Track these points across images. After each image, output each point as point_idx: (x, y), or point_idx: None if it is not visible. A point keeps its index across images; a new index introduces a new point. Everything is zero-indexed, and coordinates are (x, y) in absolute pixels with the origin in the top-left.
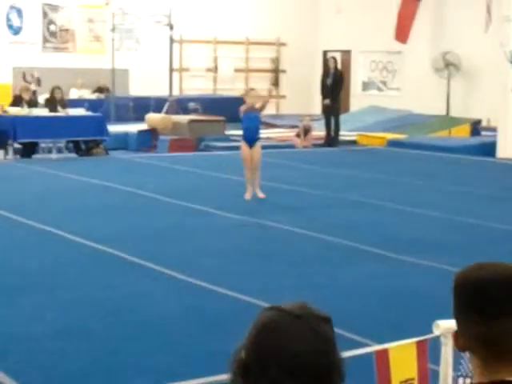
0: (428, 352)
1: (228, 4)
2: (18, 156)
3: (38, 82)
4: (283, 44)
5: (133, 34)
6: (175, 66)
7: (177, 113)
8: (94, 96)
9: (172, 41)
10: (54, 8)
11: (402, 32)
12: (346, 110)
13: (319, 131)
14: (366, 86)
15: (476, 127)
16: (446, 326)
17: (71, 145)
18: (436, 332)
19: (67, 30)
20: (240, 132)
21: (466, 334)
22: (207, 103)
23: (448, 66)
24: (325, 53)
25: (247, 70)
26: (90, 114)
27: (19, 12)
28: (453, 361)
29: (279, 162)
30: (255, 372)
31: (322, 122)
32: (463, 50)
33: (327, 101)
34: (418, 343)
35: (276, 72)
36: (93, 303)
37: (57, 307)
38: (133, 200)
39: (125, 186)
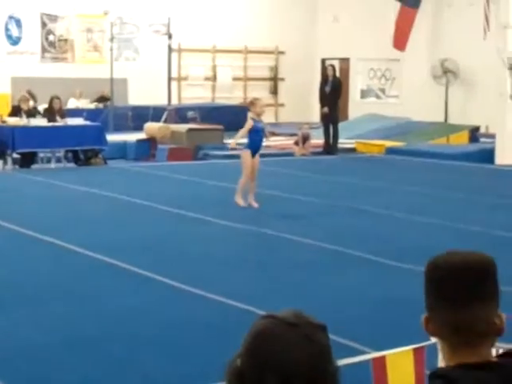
0: (425, 359)
1: (226, 13)
2: (17, 166)
3: (34, 98)
4: (282, 52)
5: (131, 44)
6: (174, 74)
7: (175, 122)
8: (92, 105)
9: (170, 50)
10: (53, 18)
11: (401, 40)
12: (345, 117)
13: (318, 139)
14: (364, 93)
15: (474, 134)
16: None
17: (70, 154)
18: (433, 339)
19: (66, 39)
20: (238, 140)
21: (435, 320)
22: (206, 112)
23: (446, 73)
24: (323, 61)
25: (246, 79)
26: (88, 123)
27: (18, 22)
28: None
29: (278, 170)
30: (250, 380)
31: (321, 130)
32: (461, 57)
33: (326, 109)
34: (415, 350)
35: (274, 80)
36: (92, 313)
37: (56, 317)
38: (131, 209)
39: (123, 196)
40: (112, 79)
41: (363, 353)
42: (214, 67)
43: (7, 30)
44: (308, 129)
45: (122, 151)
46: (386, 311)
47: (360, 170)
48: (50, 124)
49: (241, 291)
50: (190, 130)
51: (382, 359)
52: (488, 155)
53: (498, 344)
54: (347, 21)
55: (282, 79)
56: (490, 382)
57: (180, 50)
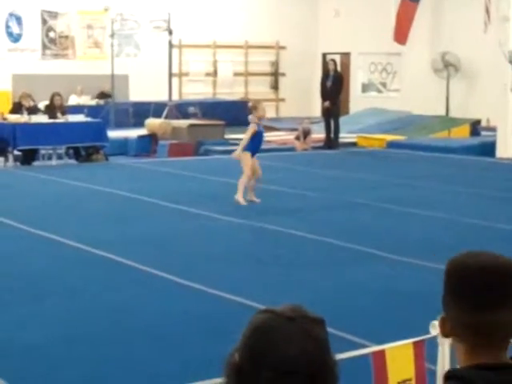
0: (425, 352)
1: (227, 8)
2: (18, 163)
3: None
4: (282, 47)
5: (132, 40)
6: (174, 70)
7: (176, 117)
8: (93, 102)
9: (171, 46)
10: (54, 15)
11: (401, 33)
12: (346, 112)
13: (319, 134)
14: (365, 87)
15: (475, 127)
16: None
17: (71, 151)
18: (433, 332)
19: (66, 36)
20: (239, 135)
21: (454, 321)
22: (207, 107)
23: (447, 66)
24: (324, 55)
25: (247, 74)
26: (89, 120)
27: (18, 19)
28: (450, 360)
29: (279, 165)
30: (248, 374)
31: (322, 125)
32: (462, 51)
33: (327, 103)
34: (415, 344)
35: (275, 75)
36: (91, 308)
37: (55, 313)
38: (132, 205)
39: (124, 192)
40: (113, 75)
41: (363, 346)
42: (215, 63)
43: (8, 27)
44: (309, 123)
45: (123, 147)
46: (385, 305)
47: (361, 165)
48: (51, 121)
49: (240, 286)
50: (191, 125)
51: (382, 353)
52: (489, 148)
53: None
54: (348, 15)
55: (283, 74)
56: None
57: (181, 46)
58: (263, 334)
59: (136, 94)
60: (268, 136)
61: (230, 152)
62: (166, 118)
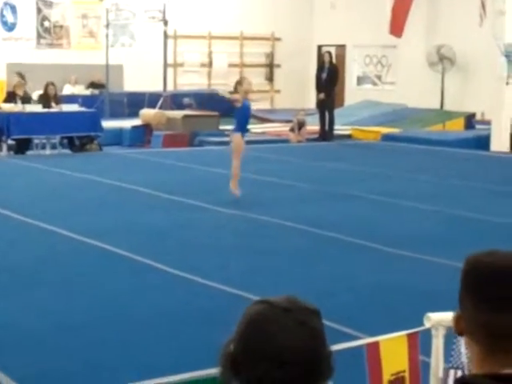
0: (419, 344)
1: None
2: (12, 152)
3: (24, 78)
4: (278, 39)
5: (127, 30)
6: (169, 61)
7: (171, 108)
8: (88, 92)
9: (166, 36)
10: (48, 4)
11: (397, 26)
12: (341, 104)
13: (313, 125)
14: (360, 80)
15: (470, 121)
16: (437, 319)
17: (65, 141)
18: (427, 324)
19: (61, 26)
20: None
21: (470, 320)
22: (201, 98)
23: (442, 59)
24: (319, 47)
25: (242, 65)
26: (83, 109)
27: (13, 8)
28: (444, 353)
29: (273, 157)
30: (244, 365)
31: (317, 117)
32: (458, 44)
33: (322, 95)
34: (409, 336)
35: (270, 67)
36: (88, 298)
37: (52, 302)
38: (127, 195)
39: (119, 182)
40: (108, 65)
41: (357, 338)
42: (210, 53)
43: (2, 16)
44: (304, 115)
45: (117, 137)
46: (380, 297)
47: (356, 157)
48: (46, 110)
49: (234, 277)
50: (186, 116)
51: (376, 344)
52: (484, 142)
53: None
54: (344, 7)
55: (278, 66)
56: None
57: (176, 37)
58: (259, 324)
59: (131, 84)
60: (262, 127)
61: (224, 143)
62: (161, 108)
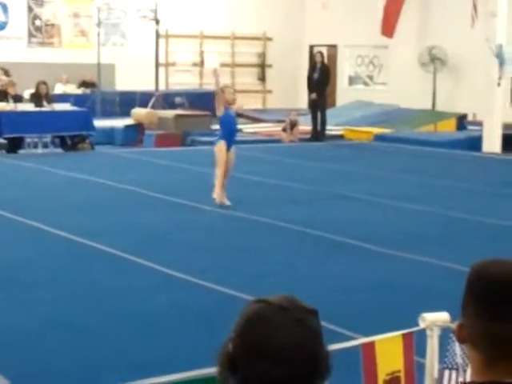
0: (414, 344)
1: None
2: (4, 151)
3: (7, 73)
4: (269, 39)
5: (119, 29)
6: (161, 60)
7: (163, 107)
8: (79, 91)
9: (158, 35)
10: (40, 3)
11: (388, 26)
12: (333, 104)
13: (306, 126)
14: (352, 80)
15: (462, 121)
16: (432, 319)
17: (57, 140)
18: (422, 325)
19: (53, 24)
20: None
21: (473, 328)
22: (193, 98)
23: (434, 60)
24: (311, 47)
25: (233, 65)
26: (75, 108)
27: (4, 7)
28: (438, 353)
29: (265, 157)
30: (242, 364)
31: (309, 117)
32: (449, 45)
33: (314, 95)
34: (404, 336)
35: (262, 67)
36: (80, 298)
37: (43, 302)
38: (119, 195)
39: (111, 181)
40: (99, 64)
41: (352, 338)
42: (202, 53)
43: None
44: (296, 115)
45: (109, 137)
46: (374, 297)
47: (348, 157)
48: (37, 109)
49: (229, 277)
50: (178, 115)
51: (372, 344)
52: (475, 143)
53: None
54: (335, 7)
55: (270, 66)
56: None
57: (167, 36)
58: (257, 323)
59: (122, 83)
60: (254, 127)
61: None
62: (153, 107)
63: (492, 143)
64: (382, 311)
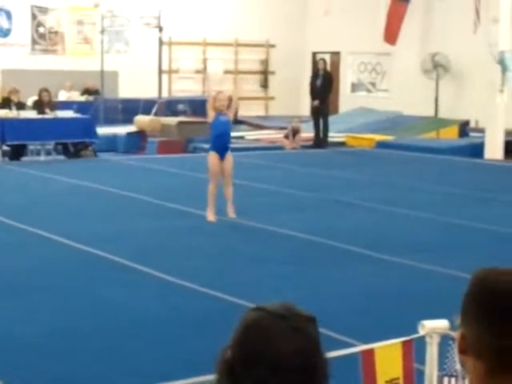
0: (413, 352)
1: (217, 6)
2: (7, 158)
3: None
4: (272, 45)
5: (122, 36)
6: (164, 67)
7: (166, 115)
8: (82, 98)
9: (161, 43)
10: (43, 10)
11: (391, 33)
12: (335, 111)
13: (308, 132)
14: (354, 87)
15: (464, 128)
16: (432, 326)
17: (60, 147)
18: (421, 332)
19: (56, 32)
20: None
21: (474, 339)
22: (196, 105)
23: (436, 67)
24: (314, 54)
25: (236, 72)
26: (78, 116)
27: (8, 14)
28: (438, 360)
29: (267, 164)
30: (240, 372)
31: (311, 124)
32: (452, 52)
33: (316, 102)
34: (404, 343)
35: (265, 73)
36: (80, 305)
37: (44, 309)
38: (121, 202)
39: (113, 188)
40: (102, 72)
41: (352, 345)
42: (205, 60)
43: None
44: (298, 122)
45: (112, 144)
46: (374, 304)
47: (350, 164)
48: (40, 116)
49: (228, 284)
50: (181, 122)
51: (371, 352)
52: (477, 150)
53: None
54: (338, 14)
55: (273, 72)
56: None
57: (170, 43)
58: (255, 331)
59: (125, 90)
60: (257, 134)
61: None
62: (156, 114)
63: (494, 150)
64: (382, 318)
